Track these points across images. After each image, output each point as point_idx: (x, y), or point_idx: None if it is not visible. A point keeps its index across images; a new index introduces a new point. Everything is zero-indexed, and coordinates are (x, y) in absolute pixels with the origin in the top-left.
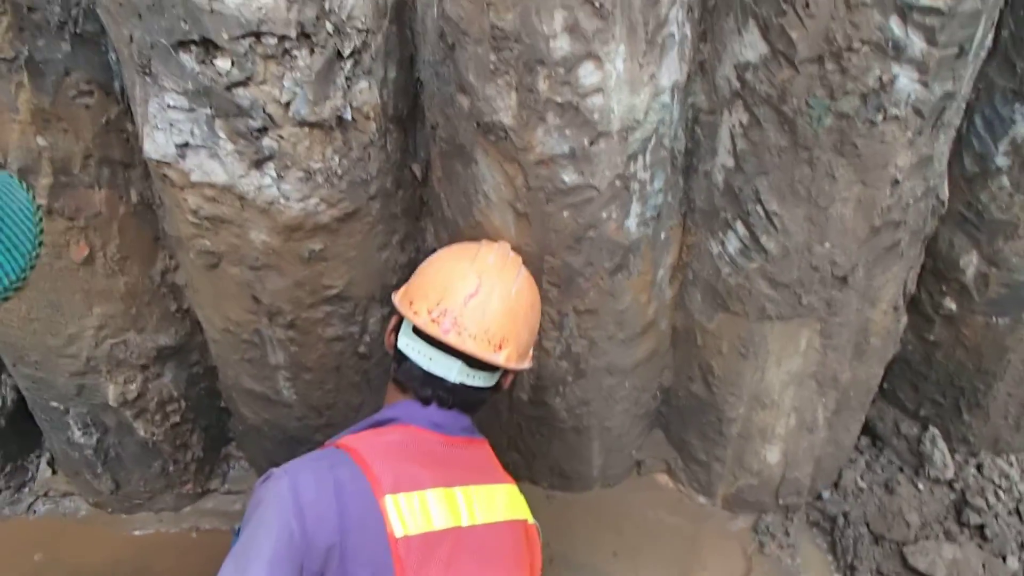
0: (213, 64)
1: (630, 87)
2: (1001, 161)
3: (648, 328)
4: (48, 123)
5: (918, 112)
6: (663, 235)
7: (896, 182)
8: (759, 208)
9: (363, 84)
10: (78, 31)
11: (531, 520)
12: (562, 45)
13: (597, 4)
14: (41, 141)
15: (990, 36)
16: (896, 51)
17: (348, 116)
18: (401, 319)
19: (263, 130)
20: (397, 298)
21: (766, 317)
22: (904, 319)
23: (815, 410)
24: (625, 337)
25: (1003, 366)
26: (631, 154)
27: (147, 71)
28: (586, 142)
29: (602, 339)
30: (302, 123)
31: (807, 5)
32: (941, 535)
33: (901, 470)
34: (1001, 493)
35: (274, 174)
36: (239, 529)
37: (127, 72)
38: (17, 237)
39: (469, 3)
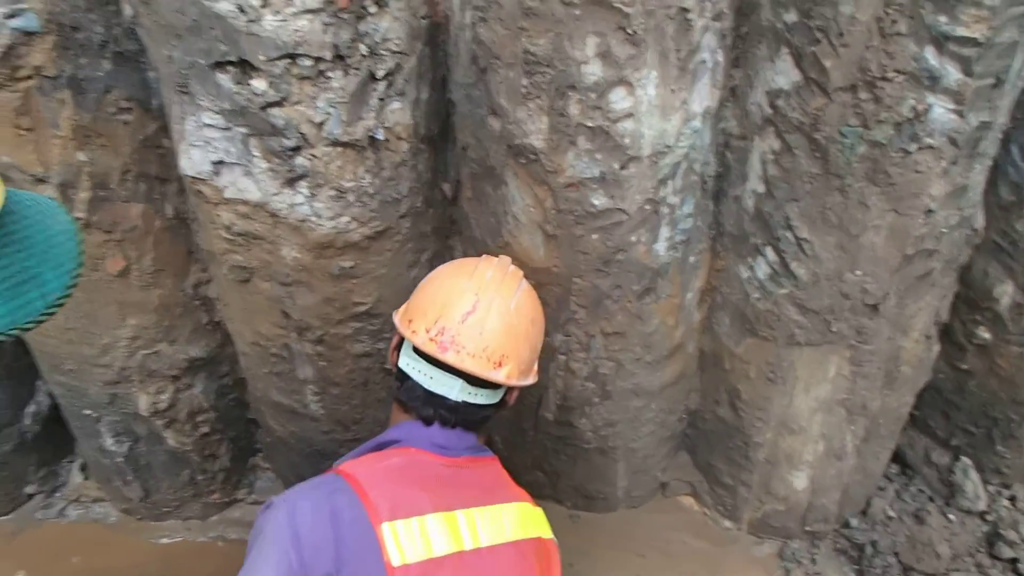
0: (249, 84)
1: (661, 112)
2: None
3: (675, 351)
4: (88, 139)
5: (953, 142)
6: (692, 259)
7: (929, 211)
8: (789, 234)
9: (396, 105)
10: (119, 50)
11: (547, 535)
12: (594, 70)
13: (630, 31)
14: (81, 156)
15: None
16: (931, 81)
17: (380, 136)
18: (403, 338)
19: (296, 149)
20: (397, 317)
21: (795, 343)
22: (936, 347)
23: (844, 437)
24: (652, 360)
25: None
26: (661, 178)
27: (185, 90)
28: (616, 166)
29: (629, 361)
30: (335, 143)
31: (841, 34)
32: (973, 568)
33: (932, 500)
34: None
35: (306, 192)
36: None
37: (165, 90)
38: (63, 256)
39: (502, 28)
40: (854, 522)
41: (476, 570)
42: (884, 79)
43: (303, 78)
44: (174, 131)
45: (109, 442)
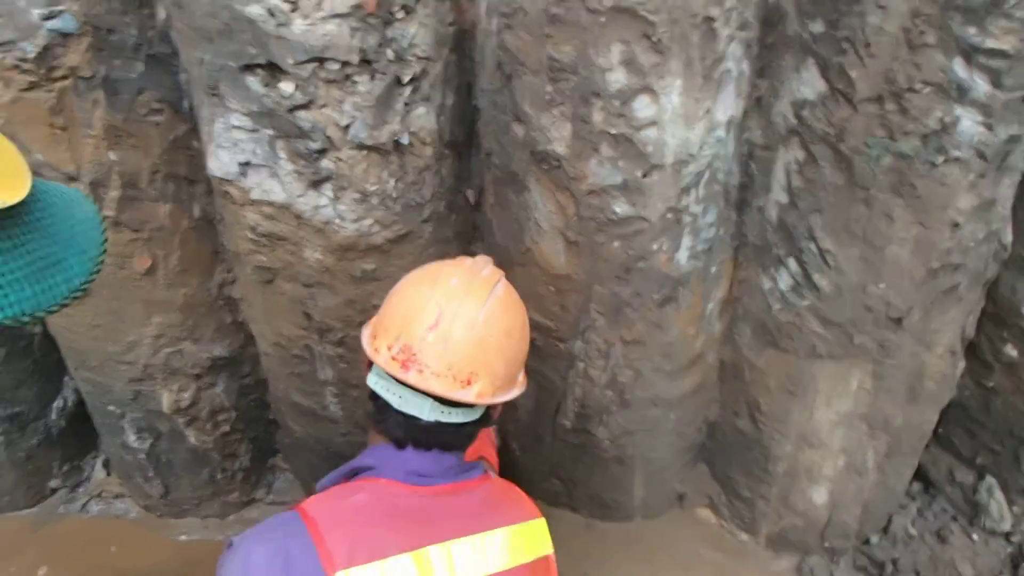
0: (277, 87)
1: (685, 121)
2: None
3: (695, 361)
4: (120, 139)
5: (981, 155)
6: (714, 269)
7: (956, 225)
8: (813, 246)
9: (421, 110)
10: (152, 52)
11: (544, 552)
12: (618, 78)
13: (655, 38)
14: (112, 156)
15: None
16: (959, 93)
17: (405, 141)
18: None
19: (322, 152)
20: (364, 332)
21: (816, 356)
22: (961, 364)
23: (865, 452)
24: (672, 369)
25: None
26: (684, 187)
27: (215, 92)
28: (639, 174)
29: (648, 370)
30: (360, 146)
31: (868, 44)
32: None
33: (955, 519)
34: None
35: (331, 195)
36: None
37: (196, 92)
38: (87, 243)
39: (528, 35)
40: (874, 539)
41: None
42: (911, 90)
43: (330, 82)
44: (203, 133)
45: (132, 438)
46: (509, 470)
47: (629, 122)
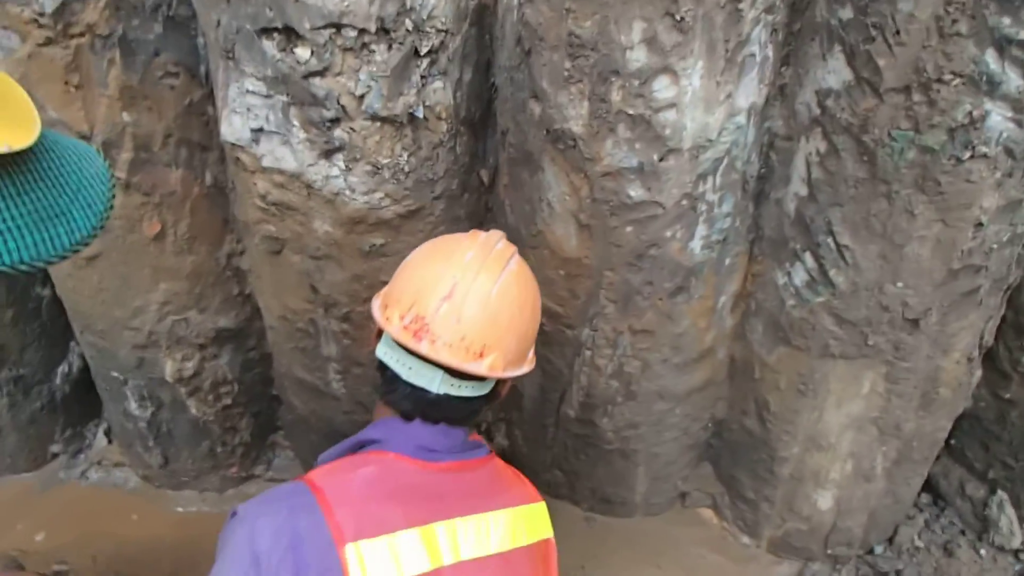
0: (293, 52)
1: (705, 105)
2: None
3: (705, 355)
4: (134, 100)
5: (1009, 152)
6: (728, 261)
7: (980, 224)
8: (830, 240)
9: (437, 84)
10: (171, 14)
11: (545, 536)
12: (639, 57)
13: (678, 17)
14: (126, 117)
15: None
16: (990, 86)
17: (420, 114)
18: None
19: (335, 121)
20: (375, 303)
21: (829, 355)
22: (978, 372)
23: (874, 458)
24: (680, 362)
25: None
26: (701, 174)
27: (230, 55)
28: (655, 157)
29: (656, 362)
30: (374, 117)
31: (897, 32)
32: None
33: (963, 533)
34: None
35: (342, 165)
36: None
37: (212, 56)
38: (94, 197)
39: (549, 9)
40: (879, 549)
41: None
42: (940, 81)
43: (346, 49)
44: (218, 97)
45: (133, 406)
46: (511, 460)
47: (648, 103)
